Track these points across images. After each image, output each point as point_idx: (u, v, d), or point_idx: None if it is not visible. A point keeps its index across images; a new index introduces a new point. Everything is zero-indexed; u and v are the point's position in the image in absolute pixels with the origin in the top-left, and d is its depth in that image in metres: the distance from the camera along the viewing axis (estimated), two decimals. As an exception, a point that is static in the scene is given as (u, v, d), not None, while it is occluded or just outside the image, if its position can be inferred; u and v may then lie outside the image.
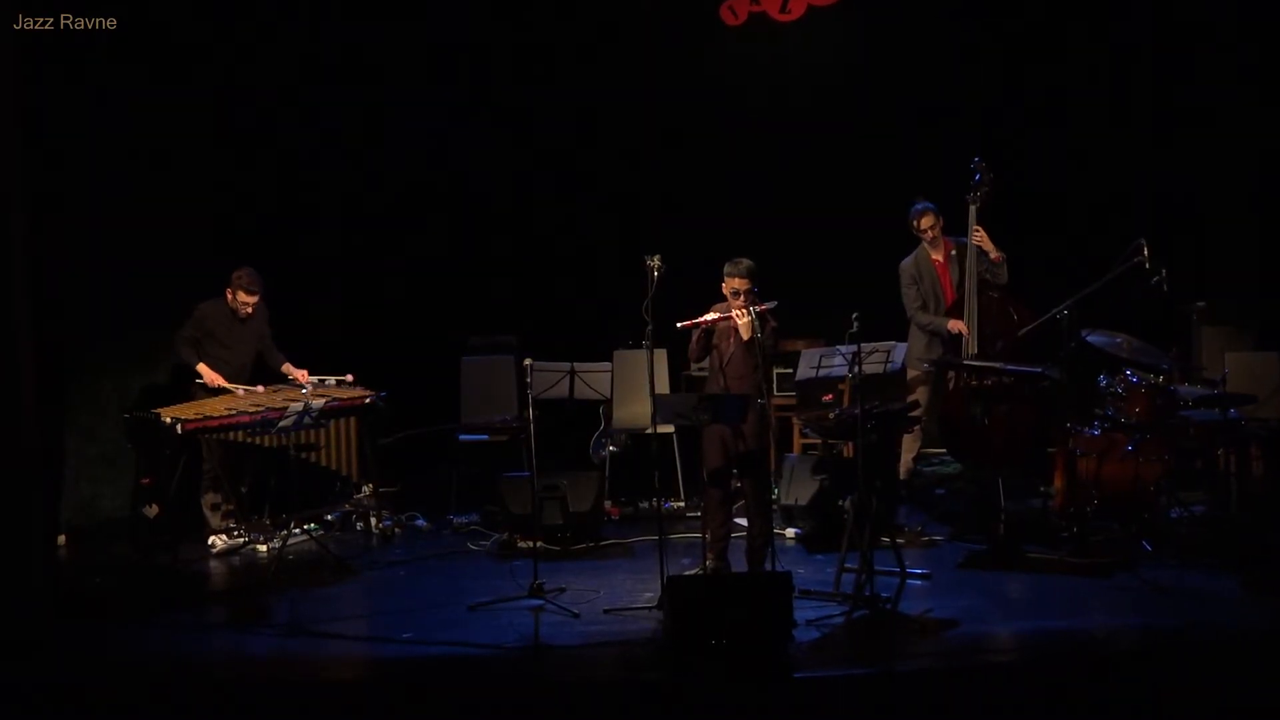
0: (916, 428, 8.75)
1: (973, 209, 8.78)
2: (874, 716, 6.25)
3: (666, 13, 10.63)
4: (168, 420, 8.20)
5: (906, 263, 9.09)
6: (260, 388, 8.88)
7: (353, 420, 8.99)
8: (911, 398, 8.71)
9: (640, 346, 7.73)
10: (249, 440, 8.49)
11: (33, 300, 6.96)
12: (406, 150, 10.69)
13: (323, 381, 9.04)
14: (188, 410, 8.39)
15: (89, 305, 9.24)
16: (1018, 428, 8.59)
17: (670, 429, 9.27)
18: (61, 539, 8.82)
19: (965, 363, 8.65)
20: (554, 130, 10.78)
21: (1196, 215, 10.21)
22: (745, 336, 7.49)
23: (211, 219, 9.95)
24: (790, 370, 9.24)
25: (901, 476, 9.15)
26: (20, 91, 7.02)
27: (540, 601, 7.38)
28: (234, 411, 8.44)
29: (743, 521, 7.87)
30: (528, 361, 7.81)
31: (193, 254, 9.52)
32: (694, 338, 7.63)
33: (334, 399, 8.79)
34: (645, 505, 9.54)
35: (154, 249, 9.47)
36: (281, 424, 8.18)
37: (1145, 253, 8.07)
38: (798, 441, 9.87)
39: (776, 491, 8.71)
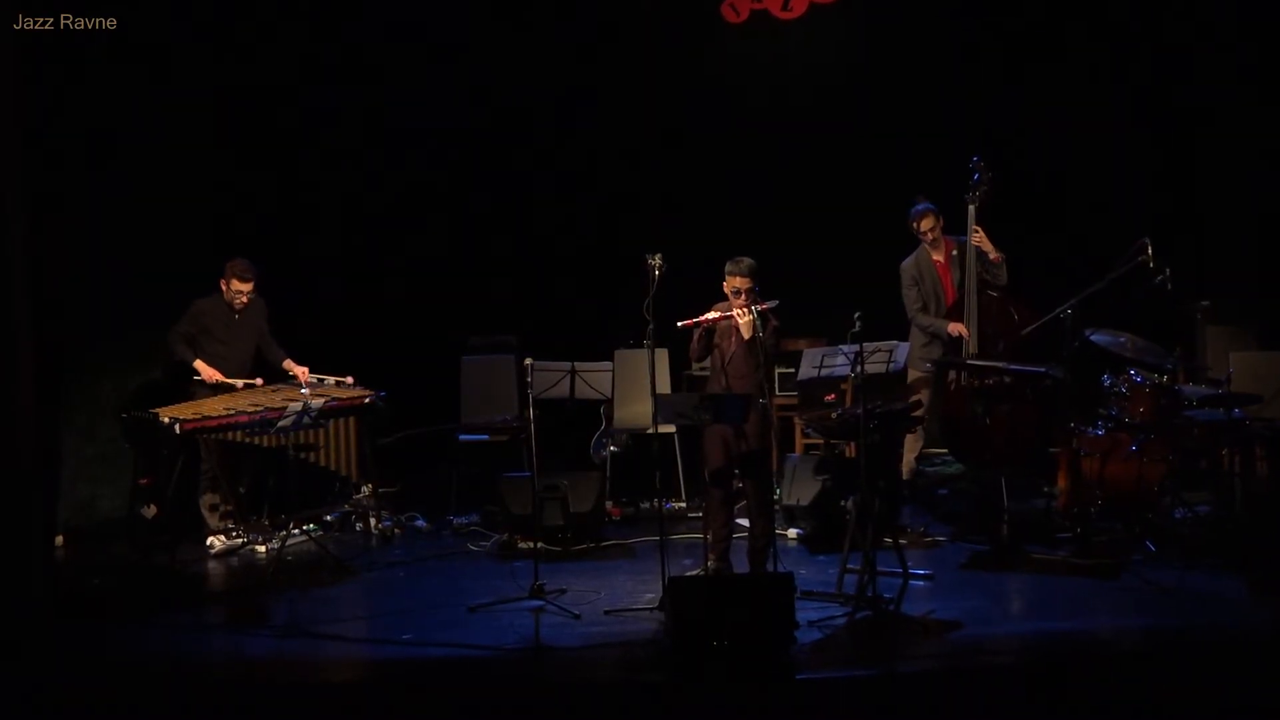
0: (919, 428, 8.73)
1: (972, 209, 8.76)
2: (876, 718, 6.22)
3: (667, 10, 10.63)
4: (166, 420, 8.19)
5: (907, 263, 9.07)
6: (259, 380, 8.86)
7: (352, 420, 8.99)
8: (913, 398, 8.68)
9: (641, 346, 7.71)
10: (248, 440, 8.47)
11: (32, 300, 6.95)
12: (406, 149, 10.68)
13: (321, 381, 9.02)
14: (186, 410, 8.38)
15: (88, 305, 9.24)
16: (1020, 428, 8.57)
17: (671, 429, 9.26)
18: (59, 539, 8.78)
19: (967, 362, 8.62)
20: (554, 129, 10.76)
21: (1200, 214, 10.19)
22: (746, 336, 7.48)
23: (211, 219, 9.96)
24: (792, 370, 9.21)
25: (904, 477, 9.15)
26: (20, 91, 7.02)
27: (541, 602, 7.37)
28: (233, 411, 8.43)
29: (744, 522, 7.85)
30: (528, 361, 7.80)
31: (192, 254, 9.52)
32: (695, 337, 7.60)
33: (333, 399, 8.77)
34: (646, 506, 9.53)
35: (153, 249, 9.48)
36: (280, 424, 8.17)
37: (1149, 252, 8.07)
38: (800, 441, 9.87)
39: (778, 492, 8.69)
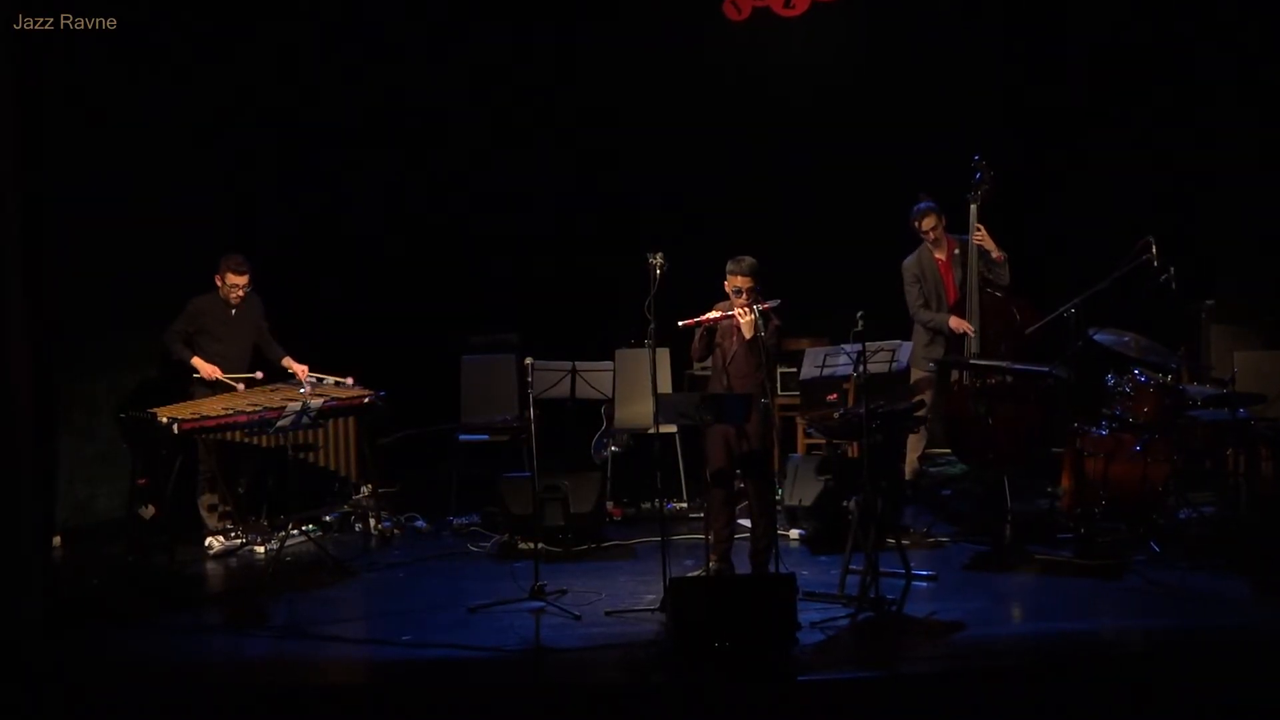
0: (921, 428, 8.71)
1: (973, 207, 8.75)
2: (879, 720, 6.21)
3: (669, 8, 10.61)
4: (164, 420, 8.17)
5: (909, 261, 9.05)
6: (259, 374, 8.85)
7: (351, 420, 8.97)
8: (917, 398, 8.65)
9: (642, 345, 7.69)
10: (246, 440, 8.45)
11: (29, 299, 6.92)
12: (406, 148, 10.65)
13: (320, 380, 8.99)
14: (184, 410, 8.36)
15: (86, 304, 9.21)
16: (1023, 428, 8.55)
17: (673, 429, 9.21)
18: (57, 540, 8.78)
19: (970, 362, 8.59)
20: (555, 127, 10.73)
21: (1204, 212, 10.16)
22: (748, 335, 7.45)
23: (211, 219, 9.93)
24: (794, 369, 9.25)
25: (907, 477, 9.14)
26: (20, 91, 7.02)
27: (541, 604, 7.35)
28: (231, 411, 8.41)
29: (746, 522, 7.82)
30: (529, 360, 7.76)
31: (191, 253, 9.48)
32: (696, 336, 7.59)
33: (332, 398, 8.76)
34: (647, 506, 9.50)
35: (153, 248, 9.47)
36: (279, 424, 8.15)
37: (1153, 250, 8.04)
38: (802, 441, 9.85)
39: (780, 492, 8.66)
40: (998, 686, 6.35)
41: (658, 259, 7.25)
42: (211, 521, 8.79)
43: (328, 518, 9.24)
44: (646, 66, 10.60)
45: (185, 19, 9.67)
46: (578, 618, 7.19)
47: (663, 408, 7.43)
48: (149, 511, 8.65)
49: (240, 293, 8.84)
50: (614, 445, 9.48)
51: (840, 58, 10.60)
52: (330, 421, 8.76)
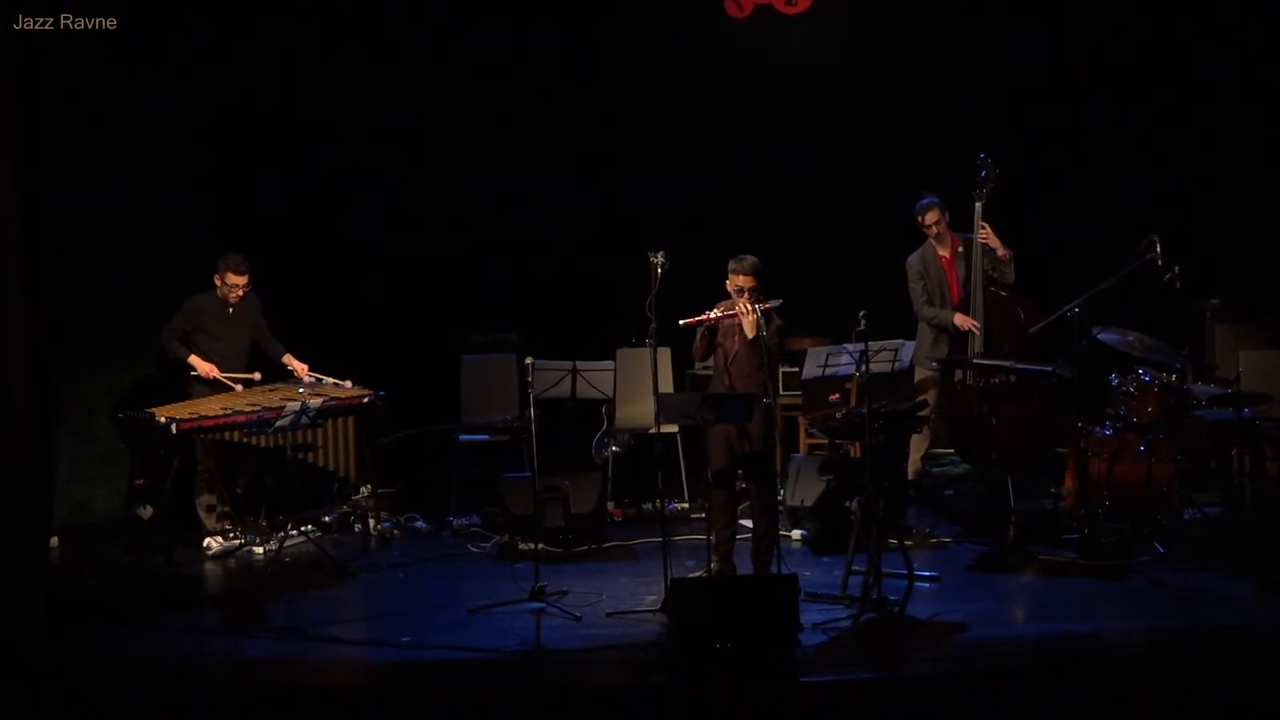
0: (925, 427, 8.69)
1: (978, 205, 8.72)
2: (882, 722, 6.20)
3: (670, 5, 10.58)
4: (162, 420, 8.16)
5: (913, 258, 9.02)
6: (257, 375, 8.83)
7: (351, 420, 8.96)
8: (920, 397, 8.62)
9: (643, 345, 7.67)
10: (245, 440, 8.44)
11: (29, 299, 6.90)
12: (406, 147, 10.62)
13: (319, 380, 8.99)
14: (183, 410, 8.35)
15: (85, 304, 9.20)
16: (1026, 427, 8.53)
17: (674, 429, 9.21)
18: (55, 541, 8.73)
19: (974, 361, 8.56)
20: (556, 125, 10.70)
21: (1208, 210, 10.13)
22: (750, 334, 7.43)
23: (210, 218, 9.92)
24: (796, 369, 9.26)
25: (910, 477, 9.10)
26: (20, 91, 7.02)
27: (541, 604, 7.33)
28: (230, 411, 8.40)
29: (748, 523, 7.80)
30: (529, 360, 7.75)
31: (190, 253, 9.48)
32: (698, 336, 7.57)
33: (331, 398, 8.75)
34: (648, 506, 9.47)
35: (152, 248, 9.46)
36: (278, 424, 8.15)
37: (1158, 249, 8.03)
38: (804, 441, 9.83)
39: (782, 492, 8.65)
40: (1001, 688, 6.33)
41: (659, 258, 7.23)
42: (210, 522, 8.77)
43: (327, 518, 9.22)
44: (648, 64, 10.58)
45: (185, 19, 9.66)
46: (578, 619, 7.16)
47: (664, 408, 7.41)
48: (147, 512, 8.65)
49: (240, 293, 8.83)
50: (615, 445, 9.47)
51: (842, 55, 10.58)
52: (329, 421, 8.74)
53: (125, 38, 9.06)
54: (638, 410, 9.44)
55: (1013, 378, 8.51)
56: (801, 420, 9.68)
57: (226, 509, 8.76)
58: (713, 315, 7.50)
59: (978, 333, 8.67)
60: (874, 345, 7.51)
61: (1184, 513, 8.33)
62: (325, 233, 10.61)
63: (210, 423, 8.30)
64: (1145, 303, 8.30)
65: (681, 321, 7.45)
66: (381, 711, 6.35)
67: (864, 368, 7.42)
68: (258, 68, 10.15)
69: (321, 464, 8.83)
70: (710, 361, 7.77)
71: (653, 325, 7.22)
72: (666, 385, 9.57)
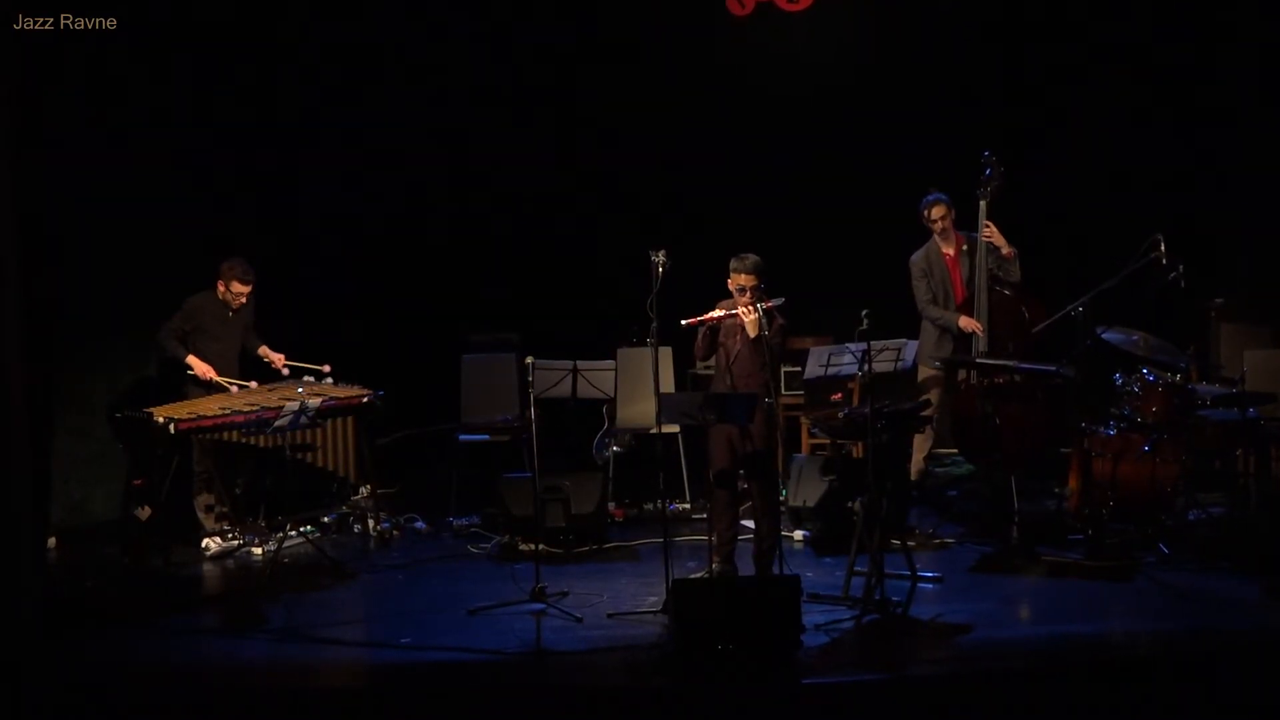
0: (928, 427, 8.67)
1: (983, 204, 8.70)
2: (884, 724, 6.18)
3: (671, 3, 10.56)
4: (161, 420, 8.15)
5: (917, 256, 9.00)
6: (253, 384, 8.82)
7: (350, 420, 8.95)
8: (923, 397, 8.59)
9: (645, 344, 7.64)
10: (243, 440, 8.43)
11: (26, 298, 6.88)
12: (407, 145, 10.60)
13: (293, 367, 8.97)
14: (181, 410, 8.34)
15: (83, 304, 9.18)
16: (1030, 427, 8.50)
17: (675, 429, 9.21)
18: (52, 542, 8.70)
19: (977, 361, 8.53)
20: (556, 123, 10.70)
21: (1213, 209, 10.12)
22: (752, 334, 7.40)
23: (209, 218, 9.91)
24: (798, 368, 9.27)
25: (912, 477, 9.07)
26: (20, 91, 7.02)
27: (542, 606, 7.31)
28: (228, 411, 8.40)
29: (750, 524, 7.79)
30: (529, 359, 7.72)
31: (189, 252, 9.50)
32: (699, 335, 7.55)
33: (331, 398, 8.73)
34: (650, 507, 9.44)
35: (150, 248, 9.46)
36: (277, 424, 8.14)
37: (1162, 248, 8.00)
38: (806, 441, 9.81)
39: (784, 493, 8.63)
40: (1005, 689, 6.30)
41: (660, 256, 7.20)
42: (208, 523, 8.75)
43: (326, 519, 9.20)
44: (649, 62, 10.56)
45: (185, 19, 9.65)
46: (579, 620, 7.14)
47: (665, 407, 7.39)
48: (145, 512, 8.60)
49: (243, 300, 8.85)
50: (616, 445, 9.45)
51: (844, 53, 10.56)
52: (328, 421, 8.74)
53: (125, 38, 9.07)
54: (639, 410, 9.42)
55: (1017, 377, 8.49)
56: (804, 420, 9.67)
57: (225, 509, 8.75)
58: (714, 315, 7.47)
59: (981, 334, 8.64)
60: (876, 344, 7.49)
61: (1188, 513, 8.32)
62: (325, 232, 10.59)
63: (209, 423, 8.29)
64: (1150, 302, 8.28)
65: (683, 321, 7.42)
66: (381, 713, 6.32)
67: (866, 367, 7.40)
68: (258, 67, 10.14)
69: (320, 464, 8.81)
70: (712, 361, 7.75)
71: (654, 324, 7.19)
72: (668, 385, 9.52)
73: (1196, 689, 6.25)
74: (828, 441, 9.13)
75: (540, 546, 8.08)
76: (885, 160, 10.16)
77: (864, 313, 7.18)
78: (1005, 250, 8.70)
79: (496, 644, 6.80)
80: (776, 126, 10.51)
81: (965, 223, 8.86)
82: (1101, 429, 8.25)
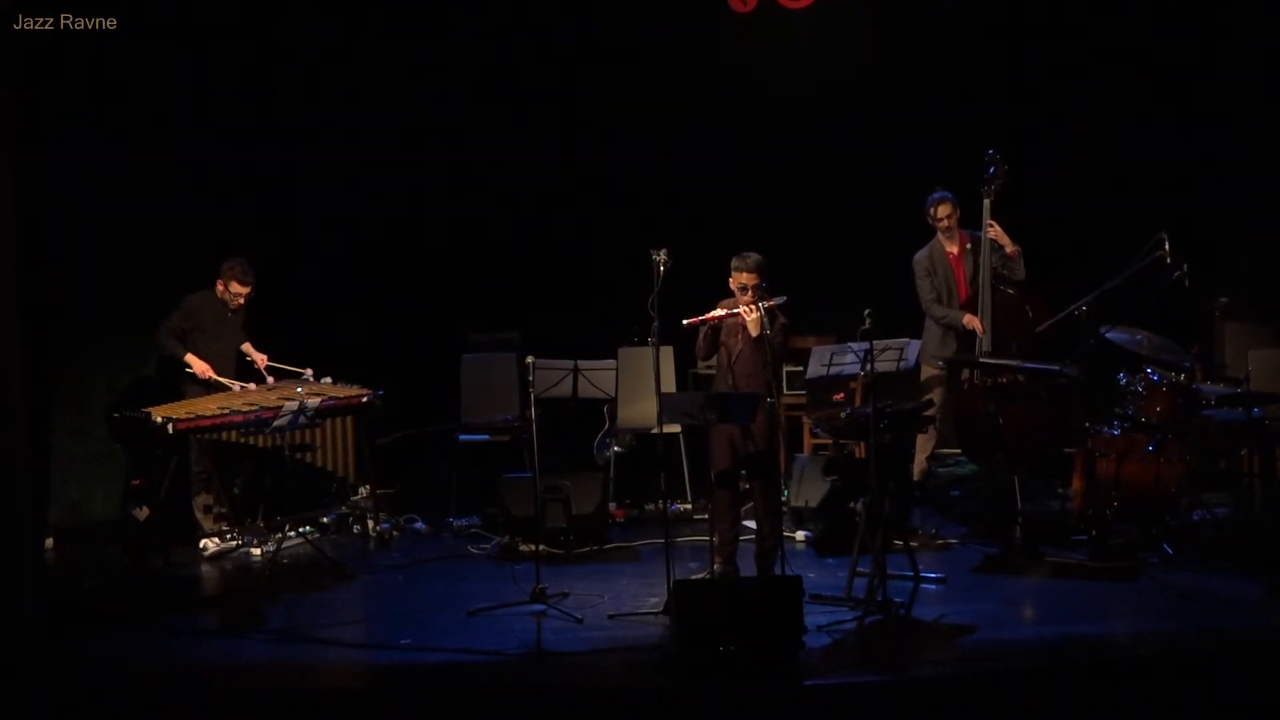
0: (930, 427, 8.64)
1: (986, 202, 8.69)
2: (886, 725, 6.16)
3: (673, 1, 10.54)
4: (159, 420, 8.14)
5: (920, 255, 8.98)
6: (253, 385, 8.81)
7: (349, 420, 8.94)
8: (926, 396, 8.57)
9: (646, 343, 7.61)
10: (242, 440, 8.42)
11: (23, 298, 6.87)
12: (407, 144, 10.59)
13: (276, 370, 8.97)
14: (179, 409, 8.33)
15: (82, 304, 9.14)
16: (1033, 427, 8.48)
17: (677, 429, 9.20)
18: (50, 542, 8.70)
19: (980, 360, 8.51)
20: (557, 121, 10.68)
21: (1217, 207, 10.10)
22: (754, 333, 7.38)
23: (209, 218, 9.90)
24: (800, 368, 9.26)
25: (915, 477, 9.06)
26: (20, 91, 7.01)
27: (543, 607, 7.30)
28: (227, 411, 8.39)
29: (751, 524, 7.78)
30: (530, 359, 7.71)
31: (188, 252, 9.48)
32: (701, 335, 7.53)
33: (330, 398, 8.72)
34: (651, 507, 9.43)
35: (150, 248, 9.45)
36: (276, 424, 8.13)
37: (1166, 246, 7.98)
38: (808, 441, 9.81)
39: (786, 493, 8.61)
40: (1008, 690, 6.29)
41: (661, 255, 7.17)
42: (207, 523, 8.74)
43: (325, 519, 9.18)
44: (649, 61, 10.54)
45: (185, 19, 9.65)
46: (580, 621, 7.12)
47: (666, 407, 7.36)
48: (144, 513, 8.61)
49: (241, 301, 8.85)
50: (617, 445, 9.43)
51: (847, 50, 10.53)
52: (328, 421, 8.73)
53: (125, 38, 9.06)
54: (640, 410, 9.38)
55: (1020, 377, 8.47)
56: (806, 420, 9.65)
57: (224, 510, 8.74)
58: (716, 314, 7.45)
59: (983, 334, 8.61)
60: (879, 344, 7.49)
61: (1193, 514, 8.30)
62: (325, 231, 10.58)
63: (207, 422, 8.27)
64: (1154, 301, 8.25)
65: (685, 321, 7.40)
66: (381, 714, 6.31)
67: (869, 367, 7.37)
68: (257, 67, 10.12)
69: (320, 464, 8.80)
70: (713, 361, 7.72)
71: (655, 324, 7.16)
72: (669, 385, 9.48)
73: (1200, 690, 6.22)
74: (830, 441, 9.11)
75: (541, 547, 8.06)
76: (887, 159, 10.13)
77: (866, 312, 7.16)
78: (1009, 249, 8.68)
79: (497, 645, 6.78)
80: (778, 125, 10.48)
81: (968, 221, 8.85)
82: (1105, 429, 8.24)
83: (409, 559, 8.55)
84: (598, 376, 8.36)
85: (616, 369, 8.67)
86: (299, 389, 8.70)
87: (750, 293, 7.36)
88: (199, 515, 8.73)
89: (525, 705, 6.30)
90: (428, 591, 7.81)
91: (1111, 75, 10.34)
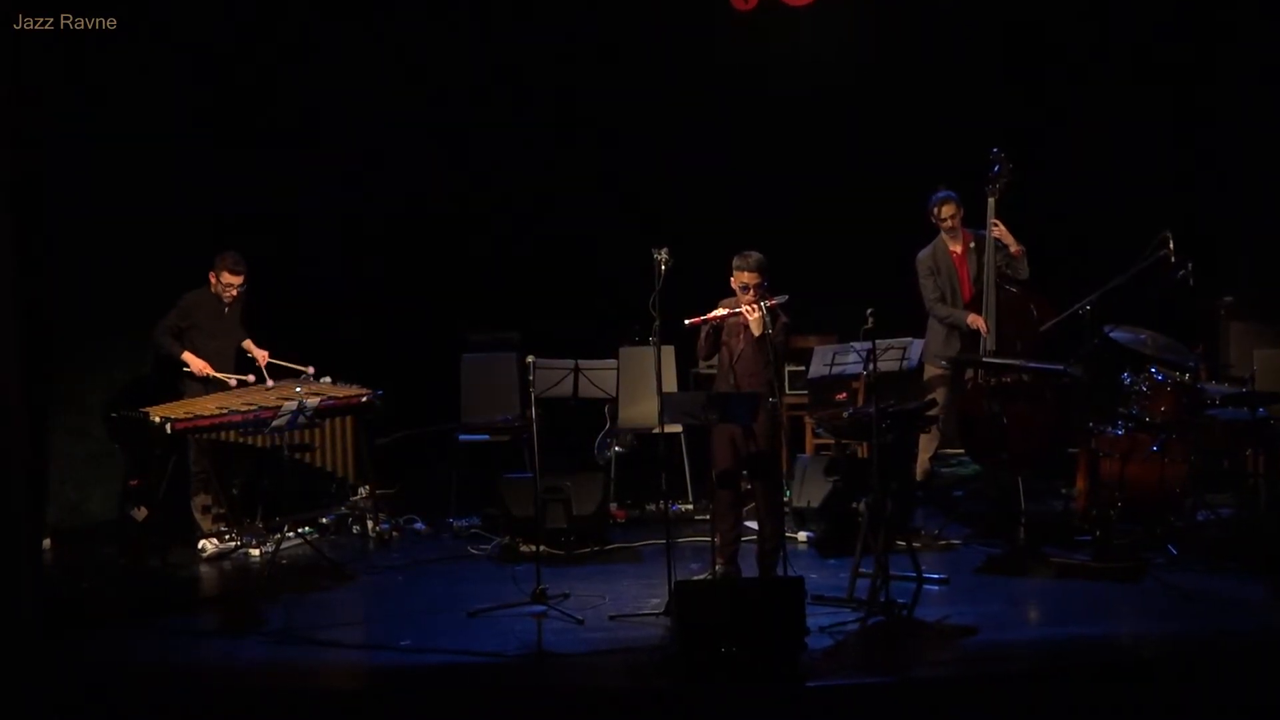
0: (933, 427, 8.62)
1: (991, 201, 8.67)
2: (889, 726, 6.15)
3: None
4: (157, 419, 8.12)
5: (924, 254, 8.96)
6: (251, 378, 8.81)
7: (349, 419, 8.92)
8: (929, 396, 8.55)
9: (647, 343, 7.59)
10: (241, 440, 8.41)
11: (22, 298, 6.86)
12: (407, 144, 10.57)
13: (277, 368, 8.95)
14: (178, 409, 8.32)
15: (80, 303, 9.17)
16: (1037, 427, 8.46)
17: (678, 429, 9.20)
18: (48, 542, 8.69)
19: (984, 360, 8.49)
20: (558, 120, 10.67)
21: (1222, 206, 10.08)
22: (756, 333, 7.36)
23: (208, 218, 9.90)
24: (802, 368, 9.25)
25: (918, 477, 9.06)
26: (20, 91, 7.01)
27: (543, 608, 7.29)
28: (226, 410, 8.37)
29: (753, 525, 7.77)
30: (530, 359, 7.72)
31: (188, 252, 9.46)
32: (702, 334, 7.51)
33: (329, 397, 8.70)
34: (652, 508, 9.42)
35: (149, 248, 9.45)
36: (275, 423, 8.12)
37: (1170, 245, 7.95)
38: (810, 441, 9.79)
39: (788, 493, 8.60)
40: (1011, 692, 6.28)
41: (662, 254, 7.16)
42: (205, 523, 8.72)
43: (324, 519, 9.17)
44: (652, 58, 10.53)
45: (185, 19, 9.65)
46: (580, 622, 7.10)
47: (668, 407, 7.36)
48: (142, 513, 8.61)
49: (235, 292, 8.83)
50: (618, 445, 9.44)
51: (849, 48, 10.51)
52: (327, 421, 8.70)
53: (125, 38, 9.07)
54: (641, 410, 9.39)
55: (1024, 377, 8.45)
56: (808, 420, 9.64)
57: (222, 510, 8.72)
58: (717, 314, 7.43)
59: (987, 333, 8.59)
60: (882, 343, 7.51)
61: (1197, 514, 8.29)
62: (324, 231, 10.56)
63: (206, 422, 8.26)
64: (1158, 300, 8.23)
65: (686, 321, 7.39)
66: (381, 715, 6.30)
67: (871, 366, 7.36)
68: (256, 67, 10.11)
69: (319, 464, 8.79)
70: (715, 360, 7.70)
71: (656, 323, 7.14)
72: (670, 384, 9.48)
73: (1204, 691, 6.20)
74: (832, 441, 9.11)
75: (541, 548, 8.05)
76: (889, 158, 10.12)
77: (869, 311, 7.15)
78: (1014, 248, 8.65)
79: (497, 646, 6.77)
80: (780, 122, 10.47)
81: (972, 220, 8.83)
82: (1109, 429, 8.24)
83: (409, 560, 8.54)
84: (598, 376, 8.34)
85: (617, 369, 8.66)
86: (298, 389, 8.68)
87: (752, 292, 7.34)
88: (197, 515, 8.71)
89: (526, 706, 6.29)
90: (427, 592, 7.80)
91: (1109, 76, 10.32)
